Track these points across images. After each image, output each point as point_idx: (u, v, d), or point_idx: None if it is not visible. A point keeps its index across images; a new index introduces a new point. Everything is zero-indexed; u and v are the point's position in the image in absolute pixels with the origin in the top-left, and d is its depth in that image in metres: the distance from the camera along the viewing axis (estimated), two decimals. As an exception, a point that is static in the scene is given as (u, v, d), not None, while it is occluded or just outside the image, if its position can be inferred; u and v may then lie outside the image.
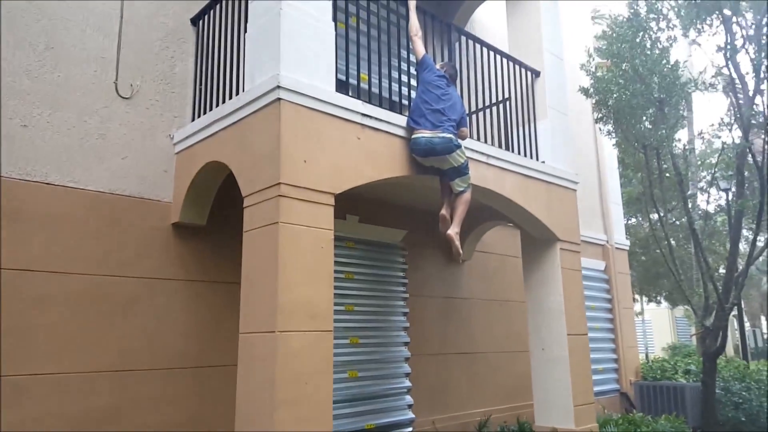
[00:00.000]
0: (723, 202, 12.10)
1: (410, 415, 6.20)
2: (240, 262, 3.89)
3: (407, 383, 6.27)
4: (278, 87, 3.69)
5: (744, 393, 8.07)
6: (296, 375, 3.52)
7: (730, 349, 19.96)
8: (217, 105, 4.50)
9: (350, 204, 5.79)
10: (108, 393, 4.23)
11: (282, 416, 3.40)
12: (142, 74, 4.78)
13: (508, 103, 6.00)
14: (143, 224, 4.59)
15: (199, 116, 4.78)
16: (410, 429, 6.07)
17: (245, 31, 4.24)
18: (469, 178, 4.77)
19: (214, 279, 4.88)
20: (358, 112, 4.16)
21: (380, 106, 4.48)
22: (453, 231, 4.71)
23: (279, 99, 3.69)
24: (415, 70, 4.83)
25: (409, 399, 6.24)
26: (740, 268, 7.74)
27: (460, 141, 4.66)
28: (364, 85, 4.73)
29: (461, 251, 4.83)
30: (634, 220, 17.26)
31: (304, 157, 3.78)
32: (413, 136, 4.52)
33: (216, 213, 4.84)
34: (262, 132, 3.84)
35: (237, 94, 4.25)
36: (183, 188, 4.65)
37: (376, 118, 4.29)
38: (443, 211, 4.78)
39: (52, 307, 4.07)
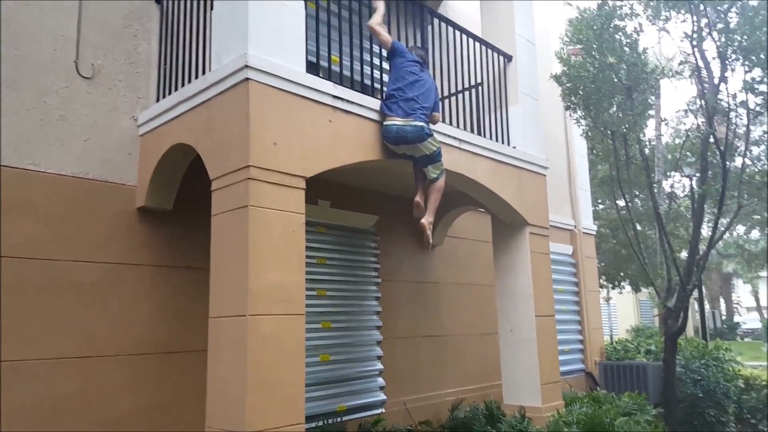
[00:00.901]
0: (687, 188, 12.38)
1: (382, 396, 6.24)
2: (208, 247, 3.83)
3: (379, 366, 6.29)
4: (246, 67, 3.61)
5: (702, 370, 8.32)
6: (268, 359, 3.49)
7: (690, 330, 20.56)
8: (183, 85, 4.38)
9: (322, 189, 5.74)
10: (75, 379, 4.14)
11: (254, 400, 3.38)
12: (104, 53, 4.63)
13: (480, 87, 5.99)
14: (108, 209, 4.47)
15: (164, 97, 4.65)
16: (382, 410, 6.10)
17: (211, 9, 4.12)
18: (443, 165, 4.76)
19: (182, 264, 4.79)
20: (329, 94, 4.10)
21: (352, 88, 4.42)
22: (426, 220, 4.71)
23: (247, 79, 3.61)
24: (387, 57, 4.76)
25: (380, 381, 6.27)
26: (702, 251, 7.94)
27: (432, 128, 4.64)
28: (335, 68, 4.66)
29: (431, 240, 4.82)
30: (602, 206, 17.56)
31: (274, 139, 3.71)
32: (385, 123, 4.48)
33: (183, 197, 4.74)
34: (229, 113, 3.76)
35: (203, 74, 4.13)
36: (148, 171, 4.53)
37: (347, 101, 4.24)
38: (417, 198, 4.75)
39: (15, 294, 3.95)
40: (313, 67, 4.27)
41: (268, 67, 3.72)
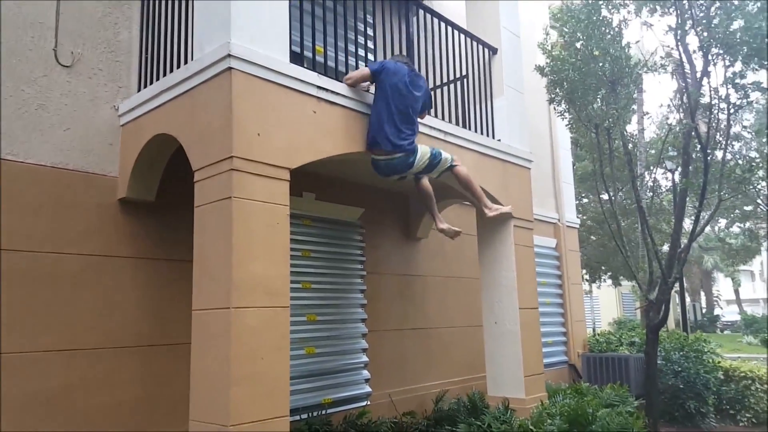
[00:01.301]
0: (670, 182, 12.51)
1: (367, 389, 6.23)
2: (191, 239, 3.78)
3: (364, 358, 6.28)
4: (229, 56, 3.56)
5: (683, 362, 8.44)
6: (252, 351, 3.47)
7: (671, 323, 20.82)
8: (165, 75, 4.31)
9: (307, 181, 5.70)
10: (57, 373, 4.09)
11: (238, 392, 3.36)
12: (84, 41, 4.54)
13: (465, 80, 5.99)
14: (89, 200, 4.40)
15: (145, 86, 4.58)
16: (367, 402, 6.10)
17: (194, -3, 4.06)
18: (445, 160, 4.83)
19: (165, 256, 4.73)
20: (313, 85, 4.06)
21: (336, 79, 4.39)
22: (440, 226, 4.96)
23: (230, 68, 3.57)
24: (371, 80, 4.55)
25: (366, 373, 6.26)
26: (683, 244, 8.03)
27: (415, 145, 4.60)
28: (319, 59, 4.62)
29: (454, 229, 5.02)
30: (586, 199, 17.67)
31: (258, 129, 3.67)
32: (372, 157, 4.53)
33: (165, 188, 4.68)
34: (212, 103, 3.71)
35: (185, 63, 4.07)
36: (130, 162, 4.46)
37: (332, 92, 4.21)
38: (441, 225, 4.99)
39: (-8, 286, 3.87)
40: (297, 58, 4.23)
41: (252, 57, 3.67)
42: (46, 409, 4.01)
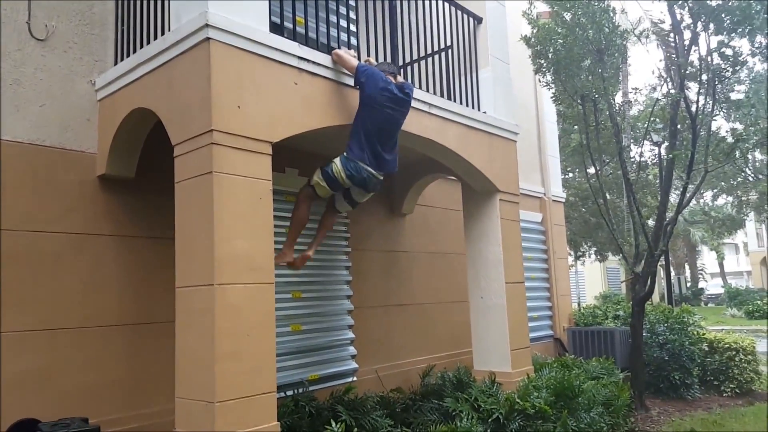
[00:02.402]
0: (656, 156, 12.52)
1: (354, 365, 6.24)
2: (173, 216, 3.72)
3: (350, 335, 6.28)
4: (207, 26, 3.46)
5: (668, 334, 8.53)
6: (237, 328, 3.44)
7: (656, 297, 21.08)
8: (141, 47, 4.19)
9: (289, 157, 5.63)
10: (40, 352, 4.04)
11: (224, 369, 3.33)
12: (58, 14, 4.40)
13: (450, 51, 5.90)
14: (68, 177, 4.31)
15: (121, 60, 4.46)
16: (354, 378, 6.11)
17: (170, -34, 3.94)
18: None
19: (147, 234, 4.66)
20: (294, 56, 3.98)
21: (318, 50, 4.29)
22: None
23: (208, 39, 3.47)
24: (354, 83, 4.42)
25: (352, 350, 6.27)
26: (669, 217, 8.06)
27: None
28: (300, 30, 4.52)
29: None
30: (571, 174, 17.70)
31: (238, 102, 3.60)
32: (360, 164, 4.37)
33: (145, 164, 4.59)
34: (191, 75, 3.62)
35: (162, 34, 3.96)
36: (108, 138, 4.37)
37: (313, 62, 4.12)
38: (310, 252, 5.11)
39: (-31, 265, 3.80)
40: (277, 29, 4.13)
41: (230, 26, 3.58)
42: (30, 388, 3.96)
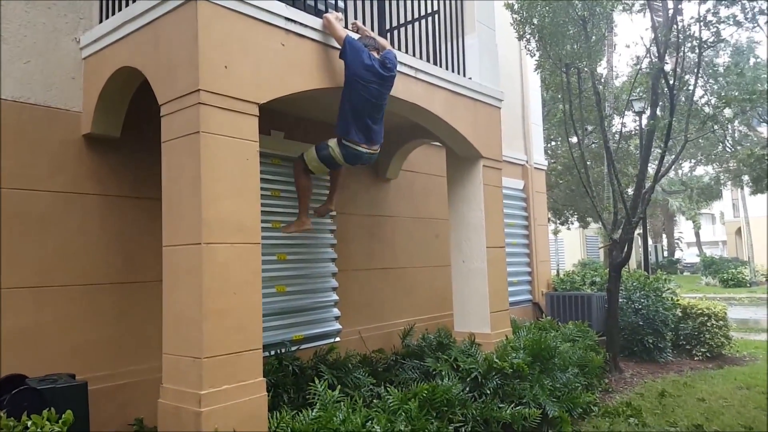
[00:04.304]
0: (637, 126, 12.66)
1: (337, 326, 6.37)
2: (159, 175, 3.74)
3: (334, 297, 6.39)
4: (195, -16, 3.44)
5: (643, 300, 8.77)
6: (224, 286, 3.50)
7: (633, 264, 21.48)
8: (127, 5, 4.13)
9: (275, 119, 5.64)
10: (27, 310, 4.08)
11: (211, 326, 3.41)
12: (41, -32, 4.33)
13: (436, 16, 5.89)
14: (53, 135, 4.29)
15: (107, 17, 4.39)
16: (337, 339, 6.24)
17: None
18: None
19: (132, 193, 4.68)
20: (281, 16, 3.97)
21: (305, 11, 4.28)
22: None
23: (196, -2, 3.46)
24: (339, 56, 4.40)
25: (336, 311, 6.38)
26: (648, 186, 8.22)
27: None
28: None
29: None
30: (555, 143, 17.83)
31: (225, 62, 3.60)
32: (353, 147, 4.59)
33: (131, 123, 4.58)
34: (177, 34, 3.60)
35: (149, -8, 3.93)
36: (93, 97, 4.34)
37: (301, 24, 4.12)
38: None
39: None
40: (264, -11, 4.10)
41: (218, -14, 3.56)
42: (18, 346, 4.01)
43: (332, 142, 4.75)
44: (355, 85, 4.36)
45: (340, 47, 4.36)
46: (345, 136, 4.59)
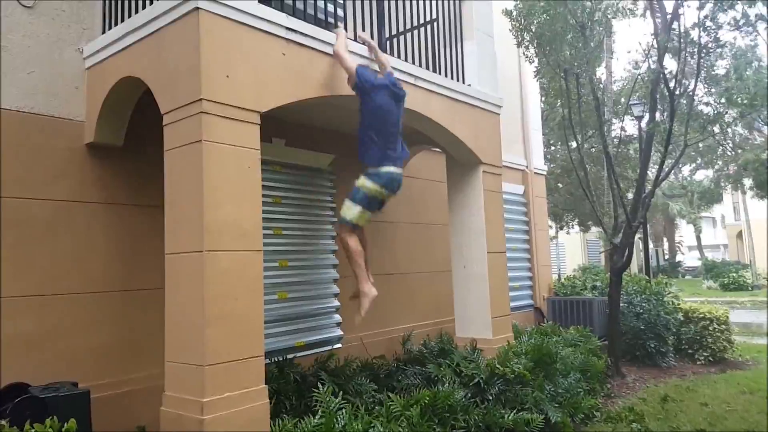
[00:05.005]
0: (636, 130, 12.69)
1: (339, 332, 6.38)
2: (161, 184, 3.78)
3: (336, 303, 6.41)
4: (196, -5, 3.48)
5: (644, 304, 8.76)
6: (226, 293, 3.53)
7: (634, 268, 21.45)
8: (130, 15, 4.19)
9: (276, 127, 5.67)
10: (30, 318, 4.11)
11: (213, 333, 3.43)
12: (44, -20, 4.38)
13: (435, 23, 5.93)
14: (56, 144, 4.33)
15: (110, 28, 4.45)
16: (339, 345, 6.26)
17: (158, -66, 3.93)
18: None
19: (135, 201, 4.71)
20: (282, 26, 4.01)
21: (305, 21, 4.31)
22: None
23: (197, 8, 3.50)
24: (352, 89, 4.40)
25: (337, 317, 6.40)
26: (648, 190, 8.23)
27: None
28: (288, 2, 4.53)
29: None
30: (554, 148, 17.86)
31: (226, 71, 3.64)
32: (386, 170, 4.39)
33: (134, 132, 4.62)
34: (180, 44, 3.64)
35: (151, 3, 3.97)
36: (96, 106, 4.38)
37: (301, 33, 4.16)
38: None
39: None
40: (265, 0, 4.14)
41: (219, -4, 3.60)
42: (23, 353, 4.04)
43: (362, 181, 4.44)
44: (377, 113, 4.34)
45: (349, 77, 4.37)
46: (380, 164, 4.40)
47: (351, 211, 4.46)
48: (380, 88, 4.37)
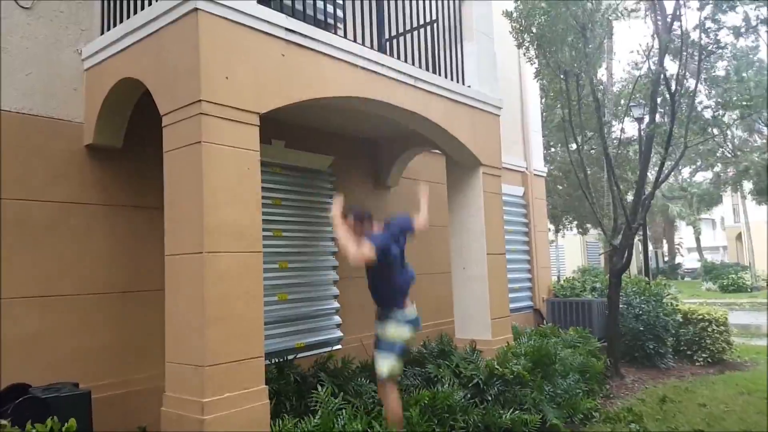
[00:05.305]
0: (636, 132, 12.70)
1: (339, 333, 6.39)
2: (161, 185, 3.78)
3: (336, 304, 6.41)
4: (195, -4, 3.49)
5: (643, 306, 8.76)
6: (226, 294, 3.53)
7: (633, 270, 21.46)
8: (129, 16, 4.19)
9: (276, 128, 5.67)
10: (31, 319, 4.11)
11: (213, 334, 3.43)
12: (43, -18, 4.38)
13: (435, 25, 5.93)
14: (55, 146, 4.33)
15: (108, 29, 4.44)
16: (339, 347, 6.26)
17: (157, -65, 3.93)
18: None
19: (135, 203, 4.71)
20: (282, 27, 4.01)
21: (305, 21, 4.32)
22: None
23: (196, 9, 3.50)
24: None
25: (337, 319, 6.40)
26: (648, 192, 8.24)
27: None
28: (287, 2, 4.54)
29: None
30: (554, 150, 17.86)
31: (226, 73, 3.64)
32: (411, 311, 4.51)
33: (133, 133, 4.62)
34: (179, 45, 3.65)
35: (150, 4, 3.97)
36: (95, 107, 4.39)
37: (301, 34, 4.16)
38: None
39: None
40: (264, 0, 4.15)
41: (218, -3, 3.60)
42: (22, 354, 4.04)
43: (396, 332, 4.36)
44: (397, 259, 4.42)
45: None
46: (402, 305, 4.47)
47: (386, 363, 4.17)
48: (392, 238, 4.43)
